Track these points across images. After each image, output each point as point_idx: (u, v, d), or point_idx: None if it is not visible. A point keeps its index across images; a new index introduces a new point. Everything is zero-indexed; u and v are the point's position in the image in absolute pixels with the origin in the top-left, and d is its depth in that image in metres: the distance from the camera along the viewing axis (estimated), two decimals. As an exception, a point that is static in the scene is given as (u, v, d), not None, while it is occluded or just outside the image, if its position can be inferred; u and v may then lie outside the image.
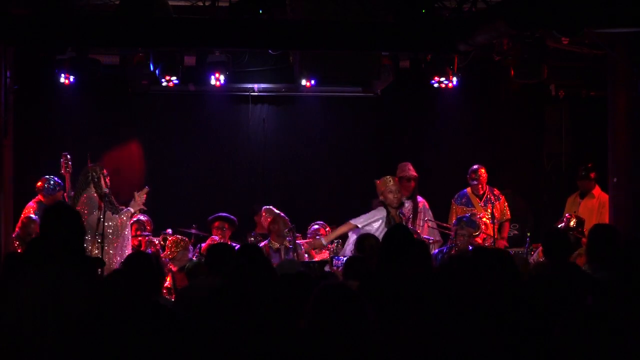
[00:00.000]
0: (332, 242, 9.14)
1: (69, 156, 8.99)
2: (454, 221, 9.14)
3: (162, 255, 8.68)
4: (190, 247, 8.95)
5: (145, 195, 8.71)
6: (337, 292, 3.68)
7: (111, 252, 8.25)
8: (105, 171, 8.58)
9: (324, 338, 3.53)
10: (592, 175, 10.14)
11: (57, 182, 9.48)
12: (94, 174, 8.48)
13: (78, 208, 8.38)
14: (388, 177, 8.99)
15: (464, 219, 8.87)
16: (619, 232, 6.06)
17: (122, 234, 8.37)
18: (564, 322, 4.34)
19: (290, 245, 8.86)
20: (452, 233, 9.05)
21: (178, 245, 8.65)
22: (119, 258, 8.20)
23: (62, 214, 4.48)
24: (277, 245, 8.78)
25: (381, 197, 8.81)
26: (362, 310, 3.60)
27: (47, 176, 9.60)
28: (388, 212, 8.67)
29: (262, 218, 9.49)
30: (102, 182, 8.46)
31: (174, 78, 9.54)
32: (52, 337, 4.16)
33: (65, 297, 4.23)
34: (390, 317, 4.51)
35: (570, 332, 4.32)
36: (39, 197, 9.55)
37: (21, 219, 9.11)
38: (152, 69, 9.50)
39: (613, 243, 5.80)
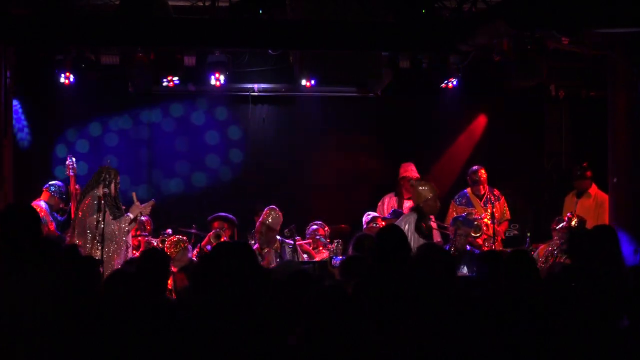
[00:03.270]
0: (332, 242, 9.14)
1: (74, 158, 8.98)
2: (450, 222, 9.14)
3: None
4: (190, 247, 8.94)
5: (150, 208, 8.72)
6: (334, 294, 3.69)
7: (110, 255, 8.24)
8: (119, 178, 8.58)
9: (322, 339, 3.54)
10: (588, 174, 10.15)
11: (62, 189, 9.49)
12: (108, 175, 8.47)
13: (80, 209, 8.40)
14: (431, 184, 8.86)
15: (460, 218, 8.87)
16: (616, 232, 6.06)
17: (121, 239, 8.36)
18: (563, 322, 4.34)
19: (291, 245, 8.86)
20: (452, 234, 9.04)
21: (177, 245, 8.64)
22: (118, 261, 8.21)
23: (18, 215, 4.43)
24: (266, 249, 8.79)
25: (420, 203, 8.65)
26: (359, 311, 3.61)
27: (53, 182, 9.61)
28: (421, 218, 8.57)
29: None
30: (113, 185, 8.46)
31: (175, 78, 9.53)
32: (51, 337, 4.16)
33: (66, 297, 4.23)
34: (389, 316, 4.51)
35: (568, 331, 4.32)
36: (44, 196, 9.54)
37: None
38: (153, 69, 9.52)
39: (614, 243, 5.81)
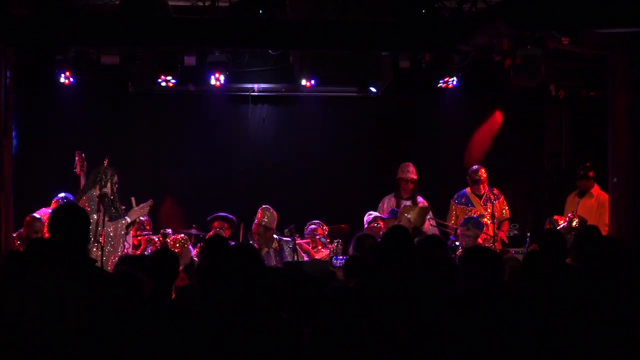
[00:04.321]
0: (332, 242, 9.15)
1: (83, 155, 8.93)
2: (460, 221, 9.13)
3: None
4: (190, 247, 8.95)
5: (148, 209, 8.72)
6: (341, 295, 3.69)
7: (106, 255, 8.23)
8: (116, 177, 8.56)
9: (327, 339, 3.54)
10: (591, 174, 10.17)
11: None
12: (104, 176, 8.45)
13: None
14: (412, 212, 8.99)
15: (472, 220, 8.86)
16: (600, 233, 6.09)
17: (117, 240, 8.35)
18: (563, 322, 4.35)
19: (291, 245, 8.87)
20: (452, 232, 9.04)
21: (183, 243, 8.69)
22: (113, 262, 8.19)
23: (70, 215, 4.45)
24: (265, 249, 8.81)
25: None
26: (364, 312, 3.61)
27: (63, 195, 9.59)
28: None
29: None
30: (110, 186, 8.45)
31: (169, 77, 9.50)
32: (53, 337, 4.16)
33: (65, 297, 4.22)
34: (390, 316, 4.51)
35: (568, 331, 4.32)
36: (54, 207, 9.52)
37: (27, 219, 9.00)
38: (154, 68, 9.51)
39: (597, 244, 5.83)
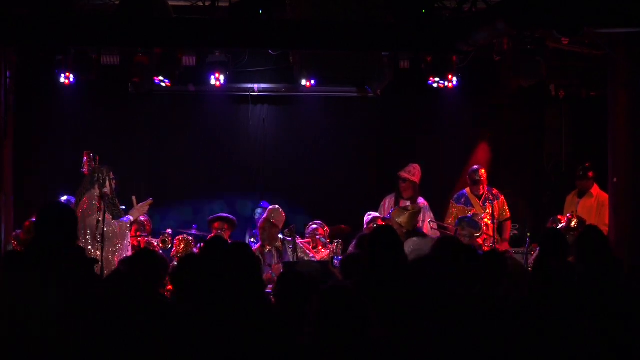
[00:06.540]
0: (332, 242, 9.15)
1: (92, 155, 8.91)
2: (456, 221, 9.13)
3: (172, 253, 8.76)
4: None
5: (147, 207, 8.73)
6: (341, 294, 3.69)
7: (110, 255, 8.24)
8: (112, 174, 8.56)
9: (328, 340, 3.54)
10: (590, 174, 10.16)
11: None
12: (100, 175, 8.46)
13: (80, 208, 8.39)
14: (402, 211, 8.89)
15: (466, 219, 8.86)
16: (604, 235, 6.08)
17: (120, 239, 8.36)
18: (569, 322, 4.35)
19: (291, 245, 8.87)
20: (453, 233, 9.04)
21: (188, 244, 8.73)
22: (118, 261, 8.20)
23: (57, 215, 4.43)
24: (268, 247, 8.84)
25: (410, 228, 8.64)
26: (366, 311, 3.61)
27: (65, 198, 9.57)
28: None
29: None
30: (108, 184, 8.45)
31: (162, 78, 9.47)
32: (46, 336, 4.16)
33: (60, 296, 4.22)
34: (388, 317, 4.51)
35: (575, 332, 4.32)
36: None
37: (27, 223, 8.96)
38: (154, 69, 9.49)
39: (603, 245, 5.82)
